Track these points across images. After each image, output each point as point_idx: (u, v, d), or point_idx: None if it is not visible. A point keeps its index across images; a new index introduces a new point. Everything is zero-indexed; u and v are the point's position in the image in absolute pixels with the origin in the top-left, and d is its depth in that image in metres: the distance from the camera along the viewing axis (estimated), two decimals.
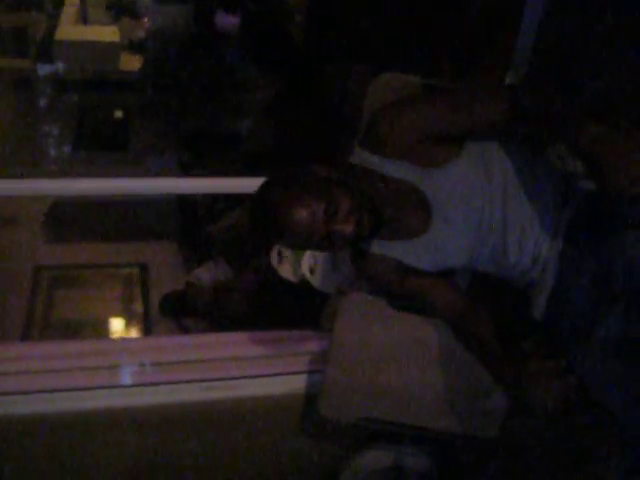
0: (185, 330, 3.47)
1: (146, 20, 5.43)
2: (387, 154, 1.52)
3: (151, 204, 4.27)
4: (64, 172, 4.61)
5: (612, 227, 1.43)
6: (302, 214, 1.42)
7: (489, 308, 1.67)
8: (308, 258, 2.35)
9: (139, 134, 5.21)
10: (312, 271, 2.34)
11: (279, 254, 2.49)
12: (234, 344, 2.32)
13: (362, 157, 1.56)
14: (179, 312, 3.51)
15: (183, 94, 4.79)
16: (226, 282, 3.41)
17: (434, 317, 1.75)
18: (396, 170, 1.53)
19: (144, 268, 4.19)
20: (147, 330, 3.78)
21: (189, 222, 4.15)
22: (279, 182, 1.50)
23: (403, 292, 1.68)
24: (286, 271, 2.49)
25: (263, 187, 1.52)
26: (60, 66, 5.41)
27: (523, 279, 1.61)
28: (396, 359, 1.84)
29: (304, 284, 2.43)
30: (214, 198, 3.82)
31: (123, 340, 3.46)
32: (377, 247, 1.62)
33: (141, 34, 5.57)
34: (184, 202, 4.25)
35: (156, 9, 5.03)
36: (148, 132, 5.10)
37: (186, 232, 4.16)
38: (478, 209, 1.51)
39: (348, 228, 1.45)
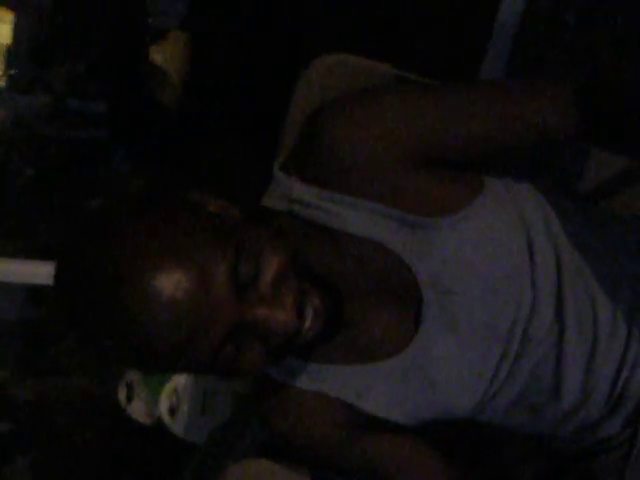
0: None
1: None
2: (341, 184, 0.79)
3: None
4: None
5: None
6: (182, 280, 0.65)
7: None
8: (169, 395, 1.73)
9: None
10: (172, 412, 1.72)
11: (128, 387, 1.87)
12: None
13: (290, 194, 0.82)
14: None
15: (34, 201, 4.37)
16: None
17: None
18: (360, 220, 0.80)
19: None
20: None
21: (31, 345, 3.51)
22: (115, 226, 0.70)
23: (345, 461, 0.92)
24: (137, 411, 1.88)
25: (84, 242, 0.71)
26: None
27: (581, 439, 0.88)
28: None
29: (160, 427, 1.84)
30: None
31: None
32: (307, 378, 0.86)
33: None
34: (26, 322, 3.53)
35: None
36: None
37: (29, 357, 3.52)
38: (510, 302, 0.81)
39: (283, 315, 0.70)
